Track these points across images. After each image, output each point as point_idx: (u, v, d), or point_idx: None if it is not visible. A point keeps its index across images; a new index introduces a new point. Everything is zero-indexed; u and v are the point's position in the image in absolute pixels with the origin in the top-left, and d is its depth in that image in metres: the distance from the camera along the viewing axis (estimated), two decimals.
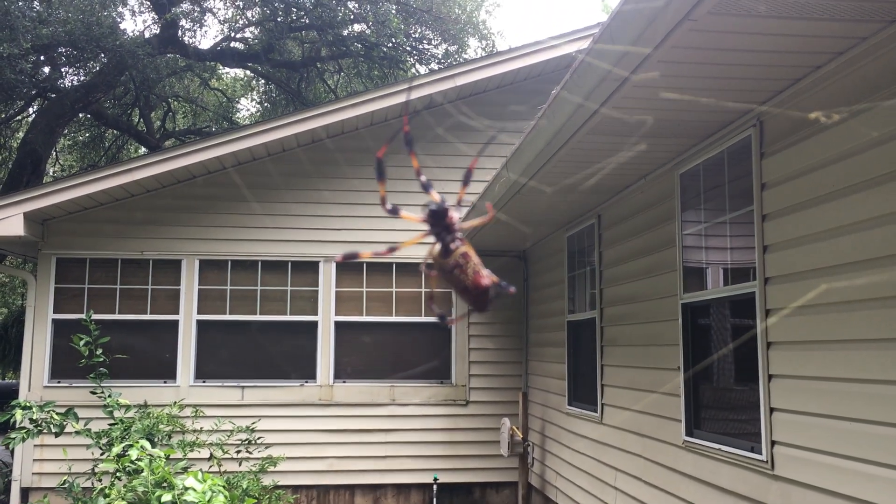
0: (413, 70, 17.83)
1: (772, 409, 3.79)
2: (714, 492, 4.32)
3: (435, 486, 8.49)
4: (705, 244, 4.69)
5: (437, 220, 1.53)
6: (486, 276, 1.51)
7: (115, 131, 18.22)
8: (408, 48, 17.00)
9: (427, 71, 16.76)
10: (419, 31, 16.90)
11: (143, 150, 19.03)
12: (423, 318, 8.91)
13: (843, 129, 3.33)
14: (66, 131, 16.92)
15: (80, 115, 16.26)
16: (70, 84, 15.59)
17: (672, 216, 4.97)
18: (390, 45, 16.36)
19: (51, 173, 18.89)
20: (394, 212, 1.54)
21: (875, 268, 3.12)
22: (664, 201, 5.12)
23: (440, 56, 17.19)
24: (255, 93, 21.61)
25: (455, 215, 1.53)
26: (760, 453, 3.84)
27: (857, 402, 3.19)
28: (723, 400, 4.52)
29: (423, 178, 1.56)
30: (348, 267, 8.85)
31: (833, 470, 3.31)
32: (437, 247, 1.54)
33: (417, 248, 7.80)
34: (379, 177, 1.57)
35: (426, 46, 17.22)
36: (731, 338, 4.44)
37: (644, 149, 4.66)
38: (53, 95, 15.00)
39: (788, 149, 3.73)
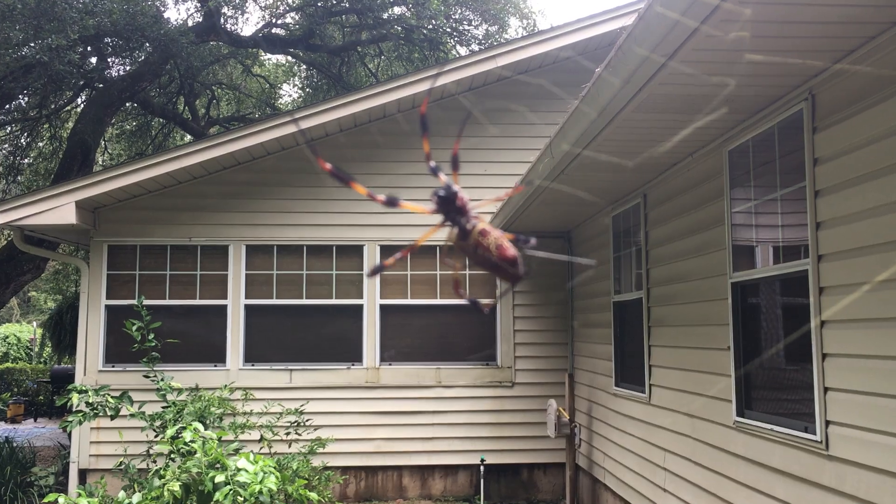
0: (453, 52, 17.75)
1: (826, 389, 3.71)
2: (766, 472, 4.27)
3: (482, 467, 8.53)
4: (755, 222, 4.60)
5: (448, 205, 1.50)
6: (510, 247, 1.47)
7: (161, 120, 18.49)
8: (448, 30, 16.91)
9: (467, 52, 16.68)
10: (459, 12, 16.79)
11: (188, 137, 19.29)
12: (467, 301, 8.90)
13: None
14: (113, 121, 17.22)
15: (127, 104, 16.53)
16: (117, 74, 15.84)
17: (721, 194, 4.89)
18: (430, 27, 16.30)
19: (100, 162, 19.26)
20: (391, 203, 1.50)
21: None
22: (712, 179, 5.03)
23: (480, 37, 17.08)
24: (296, 78, 21.73)
25: (465, 196, 1.50)
26: (815, 433, 3.77)
27: None
28: (774, 380, 4.44)
29: (433, 163, 1.51)
30: (393, 251, 8.89)
31: (890, 450, 3.24)
32: (455, 231, 1.52)
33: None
34: (423, 130, 1.56)
35: (466, 28, 17.11)
36: (783, 317, 4.36)
37: (696, 125, 4.58)
38: (101, 86, 15.26)
39: (842, 123, 3.63)
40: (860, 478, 3.44)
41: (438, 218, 1.52)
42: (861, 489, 3.42)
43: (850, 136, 3.56)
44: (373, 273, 1.64)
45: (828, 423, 3.70)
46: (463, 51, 17.53)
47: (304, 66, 19.85)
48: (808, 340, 3.83)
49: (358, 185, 1.49)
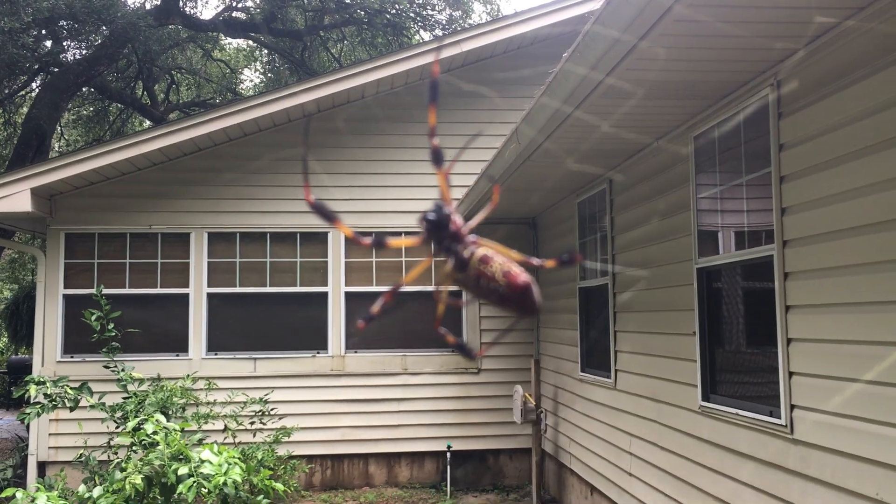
0: (417, 37, 17.63)
1: (791, 373, 3.75)
2: (731, 456, 4.31)
3: (448, 454, 8.53)
4: (721, 207, 4.62)
5: (440, 231, 1.28)
6: (521, 273, 1.24)
7: (119, 105, 18.12)
8: (411, 14, 16.78)
9: (431, 37, 16.55)
10: None
11: (147, 123, 18.94)
12: (432, 288, 8.88)
13: (863, 88, 3.25)
14: (70, 106, 16.84)
15: (84, 89, 16.16)
16: (72, 58, 15.47)
17: (686, 179, 4.90)
18: (393, 11, 16.16)
19: (56, 148, 18.83)
20: (378, 245, 1.34)
21: (894, 228, 3.05)
22: (678, 164, 5.04)
23: (444, 22, 16.98)
24: (258, 63, 21.44)
25: (458, 219, 1.28)
26: (780, 417, 3.81)
27: (879, 365, 3.14)
28: (739, 365, 4.48)
29: (436, 140, 1.27)
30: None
31: (854, 433, 3.28)
32: (450, 261, 1.29)
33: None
34: (432, 98, 1.32)
35: (430, 12, 17.00)
36: (748, 302, 4.39)
37: (658, 111, 4.58)
38: (56, 70, 14.89)
39: (807, 108, 3.64)
40: (824, 461, 3.48)
41: (429, 246, 1.31)
42: (825, 472, 3.46)
43: (815, 122, 3.58)
44: (365, 323, 1.39)
45: (793, 407, 3.73)
46: (427, 35, 17.42)
47: (266, 51, 19.58)
48: (773, 325, 3.86)
49: (342, 226, 1.31)
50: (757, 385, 4.23)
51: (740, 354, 4.49)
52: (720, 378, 4.59)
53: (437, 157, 1.27)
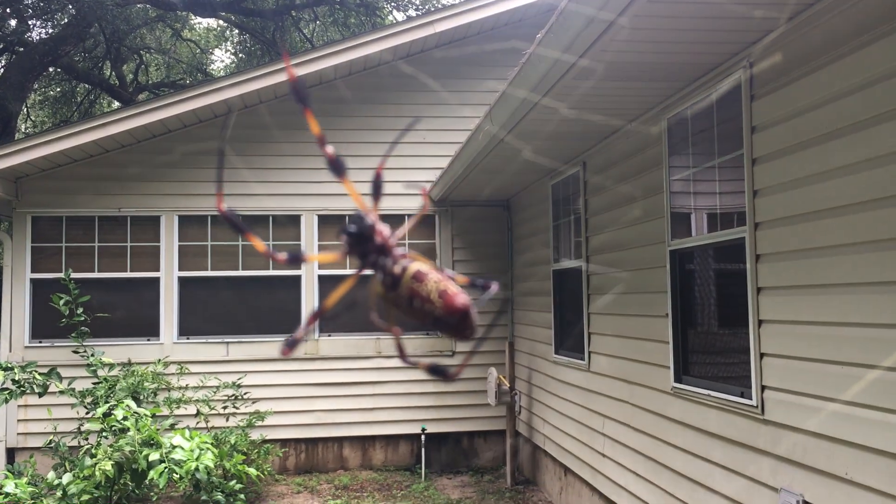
0: (391, 17, 17.48)
1: (762, 355, 3.77)
2: (703, 437, 4.34)
3: (423, 437, 8.53)
4: (693, 190, 4.63)
5: (363, 244, 1.16)
6: (458, 293, 1.11)
7: (86, 85, 17.81)
8: None
9: (405, 17, 16.41)
10: None
11: (116, 104, 18.63)
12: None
13: (836, 70, 3.25)
14: (36, 86, 16.51)
15: (51, 69, 15.84)
16: (38, 37, 15.14)
17: (659, 162, 4.90)
18: None
19: (22, 130, 18.47)
20: (293, 260, 1.22)
21: (866, 210, 3.07)
22: (651, 147, 5.04)
23: (418, 2, 16.84)
24: (228, 43, 21.14)
25: (384, 229, 1.16)
26: (751, 398, 3.84)
27: (848, 346, 3.17)
28: (711, 346, 4.51)
29: (329, 148, 1.15)
30: (331, 220, 8.75)
31: (824, 413, 3.31)
32: (377, 277, 1.16)
33: (403, 198, 7.64)
34: (303, 103, 1.21)
35: None
36: (720, 284, 4.41)
37: (632, 93, 4.57)
38: (21, 49, 14.57)
39: (780, 90, 3.65)
40: (795, 441, 3.51)
41: (354, 261, 1.18)
42: (796, 452, 3.49)
43: (788, 105, 3.58)
44: (288, 347, 1.19)
45: (763, 387, 3.76)
46: (400, 16, 17.28)
47: (237, 31, 19.31)
48: (745, 307, 3.88)
49: (255, 239, 1.20)
50: (728, 366, 4.26)
51: (712, 336, 4.52)
52: (692, 359, 4.62)
53: (335, 167, 1.15)
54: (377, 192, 1.19)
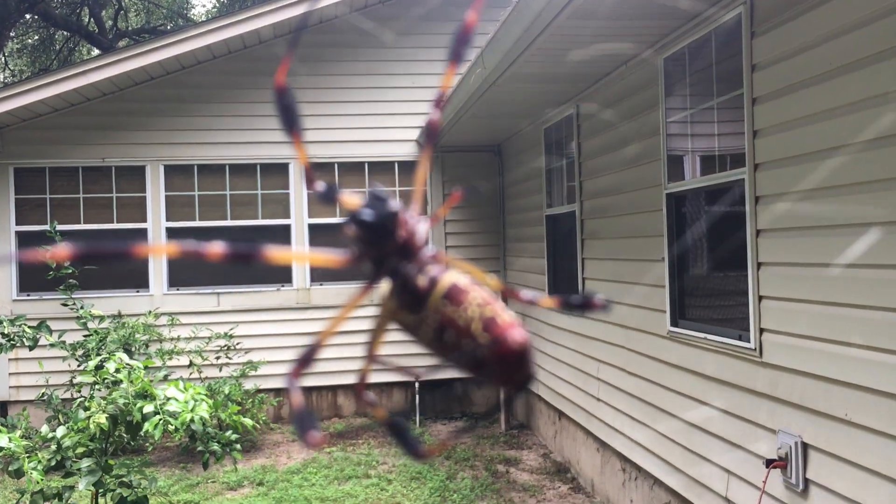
0: None
1: (761, 297, 3.74)
2: (700, 380, 4.33)
3: (417, 384, 8.56)
4: (691, 131, 4.54)
5: (381, 243, 0.80)
6: (512, 323, 0.77)
7: (65, 32, 17.37)
8: None
9: None
10: None
11: (96, 51, 18.22)
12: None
13: (838, 6, 3.15)
14: (13, 34, 16.09)
15: (28, 16, 15.43)
16: None
17: (655, 103, 4.80)
18: None
19: (1, 79, 18.08)
20: (326, 197, 0.84)
21: (869, 150, 3.00)
22: (647, 88, 4.93)
23: None
24: None
25: (411, 218, 0.81)
26: (749, 341, 3.82)
27: (848, 288, 3.13)
28: (709, 290, 4.48)
29: (322, 186, 0.82)
30: (320, 168, 8.62)
31: (821, 355, 3.30)
32: (394, 291, 0.82)
33: (395, 145, 7.52)
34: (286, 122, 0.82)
35: None
36: (718, 227, 4.36)
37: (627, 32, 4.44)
38: None
39: (780, 27, 3.54)
40: (793, 383, 3.50)
41: (366, 266, 0.82)
42: (794, 394, 3.48)
43: (789, 42, 3.48)
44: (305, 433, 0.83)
45: (762, 330, 3.74)
46: None
47: None
48: (744, 250, 3.84)
49: (300, 147, 0.82)
50: (726, 309, 4.24)
51: (709, 280, 4.49)
52: (689, 303, 4.59)
53: (286, 115, 0.82)
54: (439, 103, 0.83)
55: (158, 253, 0.78)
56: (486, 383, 0.82)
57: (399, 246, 0.80)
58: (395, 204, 0.79)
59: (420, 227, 0.81)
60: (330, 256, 0.83)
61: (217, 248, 0.75)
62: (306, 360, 0.90)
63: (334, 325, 0.91)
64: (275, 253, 0.78)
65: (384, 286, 0.82)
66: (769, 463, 3.54)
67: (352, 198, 0.81)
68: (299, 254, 0.82)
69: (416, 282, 0.79)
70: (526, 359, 0.77)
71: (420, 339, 0.84)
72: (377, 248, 0.80)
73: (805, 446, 3.40)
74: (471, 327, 0.77)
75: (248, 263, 0.75)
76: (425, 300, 0.79)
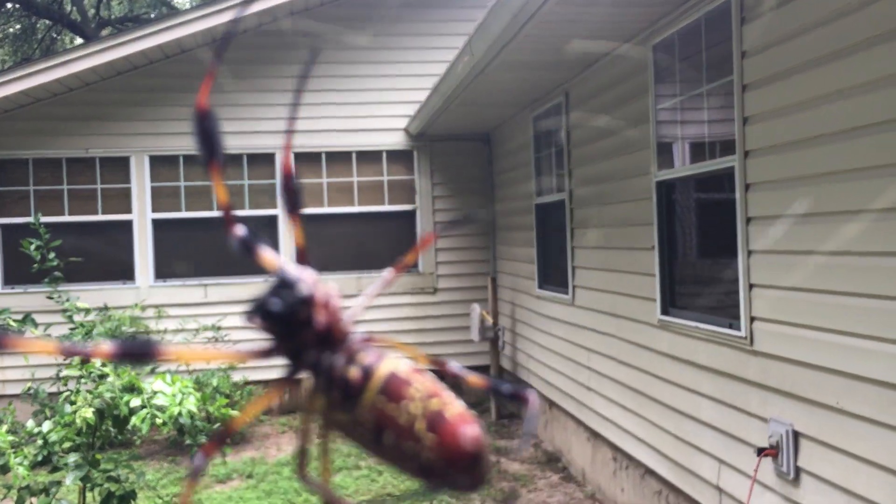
0: None
1: (751, 286, 3.72)
2: (691, 369, 4.32)
3: None
4: (681, 118, 4.51)
5: (295, 330, 0.71)
6: (462, 420, 0.69)
7: (47, 21, 17.17)
8: None
9: None
10: None
11: (78, 40, 18.02)
12: (386, 208, 8.74)
13: None
14: None
15: (9, 5, 15.23)
16: None
17: (645, 90, 4.77)
18: None
19: None
20: (246, 249, 0.77)
21: (859, 136, 2.98)
22: (636, 75, 4.89)
23: None
24: None
25: (331, 299, 0.71)
26: (739, 329, 3.80)
27: (839, 275, 3.12)
28: (699, 278, 4.46)
29: (239, 234, 0.74)
30: (307, 158, 8.55)
31: (813, 343, 3.28)
32: (317, 386, 0.72)
33: (382, 134, 7.49)
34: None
35: None
36: (708, 215, 4.34)
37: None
38: None
39: (771, 13, 3.51)
40: (783, 371, 3.49)
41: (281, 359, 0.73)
42: (785, 383, 3.47)
43: (779, 28, 3.45)
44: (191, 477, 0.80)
45: (752, 319, 3.72)
46: None
47: None
48: (734, 238, 3.82)
49: (216, 175, 0.76)
50: (716, 297, 4.22)
51: (699, 268, 4.47)
52: (679, 291, 4.57)
53: (205, 141, 0.72)
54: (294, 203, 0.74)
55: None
56: (437, 489, 0.67)
57: (319, 334, 0.69)
58: (306, 286, 0.69)
59: (339, 307, 0.69)
60: (238, 354, 0.74)
61: (106, 347, 0.67)
62: (220, 440, 0.80)
63: (245, 417, 0.82)
64: (172, 351, 0.69)
65: (307, 381, 0.70)
66: (760, 451, 3.53)
67: (270, 257, 0.72)
68: (199, 353, 0.80)
69: (345, 375, 0.68)
70: (479, 461, 0.67)
71: (356, 441, 0.71)
72: (292, 341, 0.70)
73: (796, 434, 3.39)
74: (414, 427, 0.66)
75: (140, 363, 0.69)
76: (358, 396, 0.68)
